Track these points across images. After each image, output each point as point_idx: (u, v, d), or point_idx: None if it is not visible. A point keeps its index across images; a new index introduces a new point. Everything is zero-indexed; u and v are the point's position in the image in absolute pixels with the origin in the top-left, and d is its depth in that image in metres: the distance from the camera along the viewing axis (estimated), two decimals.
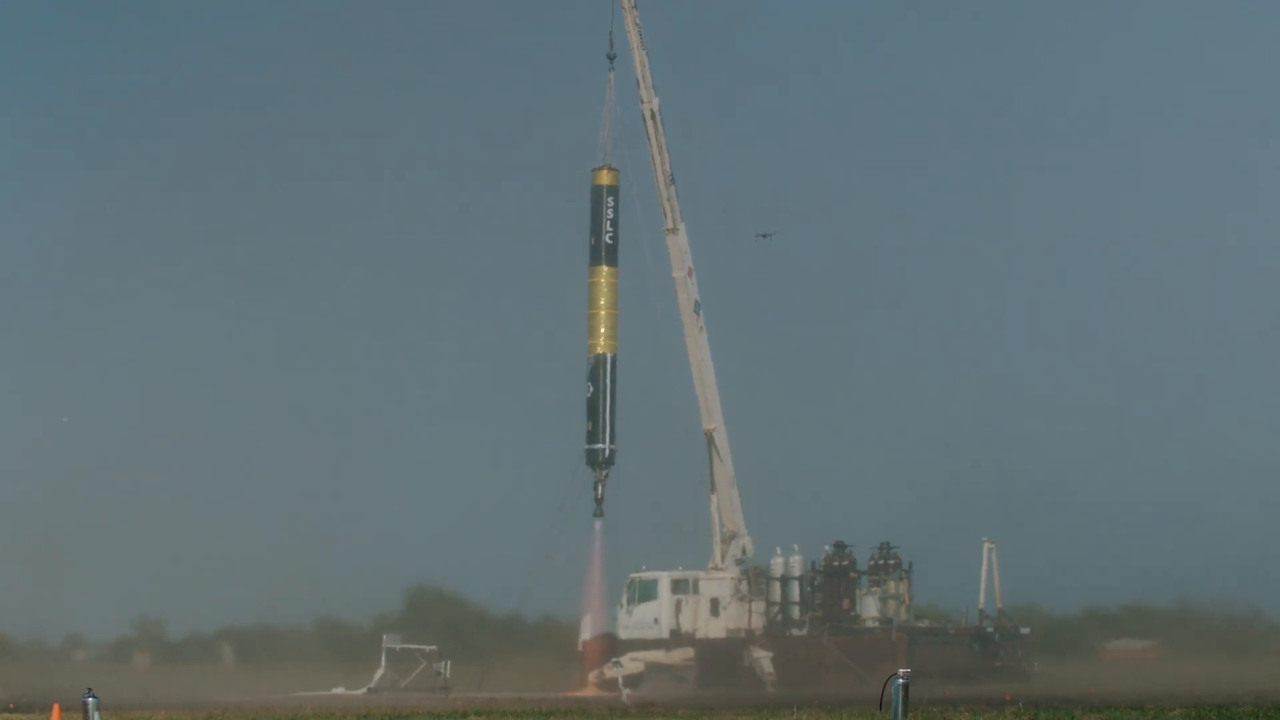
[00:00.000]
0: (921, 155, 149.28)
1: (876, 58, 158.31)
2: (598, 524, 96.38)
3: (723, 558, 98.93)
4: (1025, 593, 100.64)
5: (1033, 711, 53.73)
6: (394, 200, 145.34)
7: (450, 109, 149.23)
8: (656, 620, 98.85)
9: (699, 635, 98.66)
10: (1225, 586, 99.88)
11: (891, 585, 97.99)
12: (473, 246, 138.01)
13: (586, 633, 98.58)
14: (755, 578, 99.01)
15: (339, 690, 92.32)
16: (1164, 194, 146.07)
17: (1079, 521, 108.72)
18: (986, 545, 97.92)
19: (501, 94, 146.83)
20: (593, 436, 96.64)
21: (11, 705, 68.34)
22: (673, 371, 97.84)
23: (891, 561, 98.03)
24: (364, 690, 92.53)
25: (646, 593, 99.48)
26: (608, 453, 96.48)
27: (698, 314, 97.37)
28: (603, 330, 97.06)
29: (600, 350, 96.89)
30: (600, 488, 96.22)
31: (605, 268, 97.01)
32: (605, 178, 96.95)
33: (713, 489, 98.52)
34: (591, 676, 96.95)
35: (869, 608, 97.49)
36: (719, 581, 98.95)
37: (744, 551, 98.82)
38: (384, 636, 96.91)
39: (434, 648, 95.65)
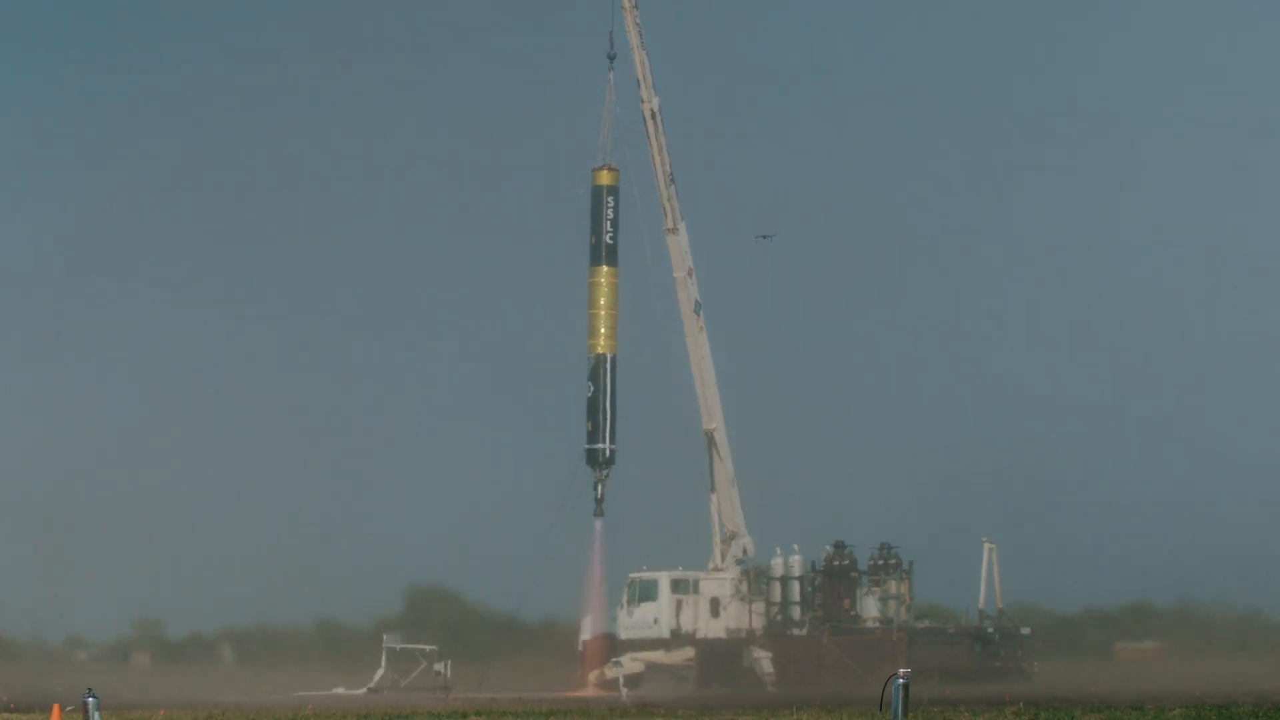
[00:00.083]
0: (922, 155, 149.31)
1: (877, 58, 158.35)
2: (598, 524, 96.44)
3: (723, 558, 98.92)
4: (1025, 593, 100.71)
5: (1033, 711, 53.73)
6: (394, 200, 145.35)
7: (450, 109, 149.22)
8: (656, 620, 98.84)
9: (699, 635, 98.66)
10: (1226, 586, 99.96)
11: (892, 585, 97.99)
12: (473, 246, 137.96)
13: (586, 633, 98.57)
14: (755, 578, 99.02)
15: (339, 690, 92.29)
16: (1164, 194, 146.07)
17: (1079, 521, 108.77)
18: (986, 545, 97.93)
19: (501, 94, 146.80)
20: (593, 436, 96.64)
21: (12, 705, 68.31)
22: (673, 371, 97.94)
23: (892, 561, 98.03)
24: (364, 690, 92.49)
25: (646, 593, 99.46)
26: (608, 453, 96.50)
27: (698, 314, 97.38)
28: (603, 330, 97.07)
29: (600, 350, 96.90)
30: (600, 488, 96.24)
31: (605, 268, 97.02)
32: (605, 178, 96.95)
33: (713, 489, 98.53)
34: (591, 676, 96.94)
35: (869, 608, 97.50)
36: (719, 581, 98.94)
37: (744, 551, 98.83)
38: (384, 636, 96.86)
39: (434, 648, 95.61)
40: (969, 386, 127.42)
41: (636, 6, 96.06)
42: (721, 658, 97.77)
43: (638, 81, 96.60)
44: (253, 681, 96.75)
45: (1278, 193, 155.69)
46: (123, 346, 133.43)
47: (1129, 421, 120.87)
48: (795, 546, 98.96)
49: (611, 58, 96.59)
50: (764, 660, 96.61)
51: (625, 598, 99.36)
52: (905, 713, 48.37)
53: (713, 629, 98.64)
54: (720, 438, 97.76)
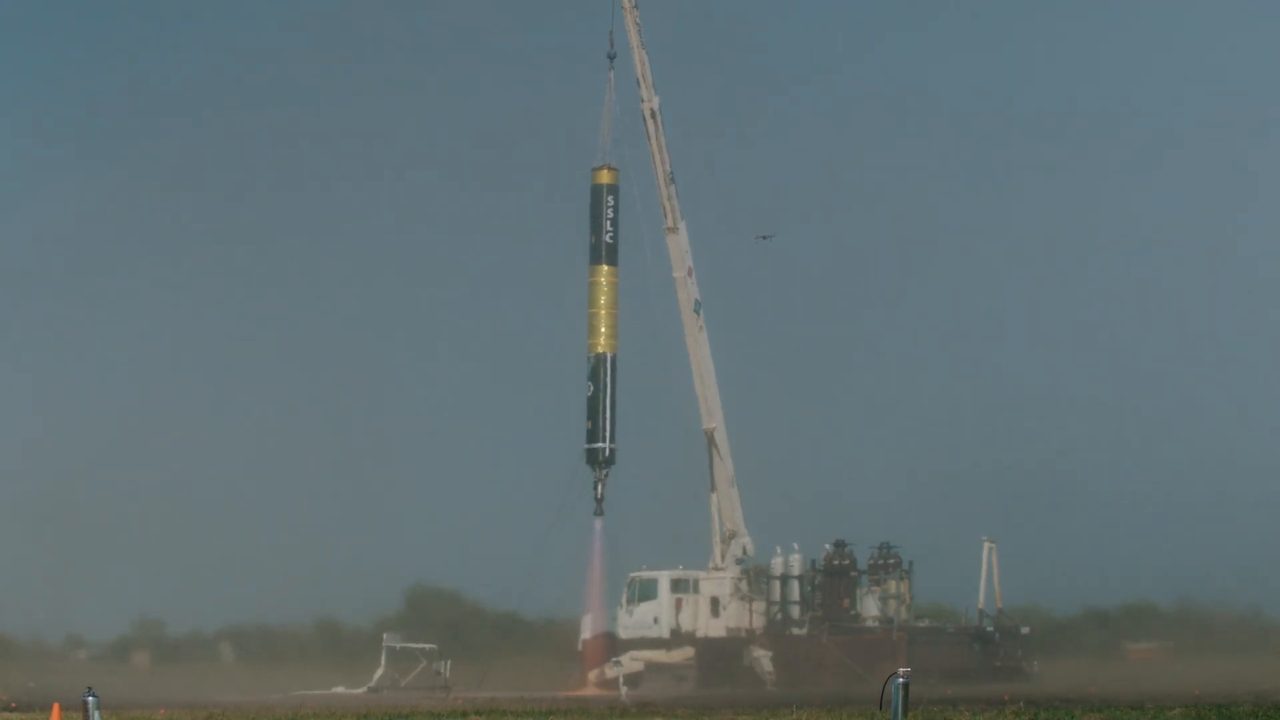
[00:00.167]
0: (922, 155, 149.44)
1: (876, 58, 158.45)
2: (598, 524, 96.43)
3: (723, 557, 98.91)
4: (1025, 592, 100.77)
5: (1033, 711, 53.73)
6: (394, 201, 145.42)
7: (450, 109, 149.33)
8: (656, 620, 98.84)
9: (699, 634, 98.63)
10: (1226, 586, 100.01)
11: (892, 584, 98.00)
12: (473, 246, 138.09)
13: (586, 632, 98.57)
14: (755, 577, 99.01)
15: (339, 689, 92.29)
16: (1164, 194, 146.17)
17: (1079, 521, 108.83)
18: (987, 545, 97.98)
19: (501, 94, 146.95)
20: (593, 436, 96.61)
21: (12, 704, 68.30)
22: (673, 371, 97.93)
23: (892, 561, 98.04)
24: (364, 689, 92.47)
25: (646, 592, 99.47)
26: (608, 452, 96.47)
27: (698, 313, 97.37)
28: (603, 330, 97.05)
29: (600, 350, 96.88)
30: (600, 487, 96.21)
31: (605, 267, 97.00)
32: (605, 177, 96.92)
33: (713, 488, 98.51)
34: (591, 676, 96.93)
35: (869, 607, 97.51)
36: (719, 581, 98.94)
37: (744, 551, 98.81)
38: (384, 636, 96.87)
39: (434, 647, 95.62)
40: (969, 386, 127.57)
41: (636, 6, 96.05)
42: (721, 657, 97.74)
43: (638, 81, 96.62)
44: (253, 681, 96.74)
45: (1278, 193, 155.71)
46: (123, 346, 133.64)
47: (1129, 421, 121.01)
48: (795, 546, 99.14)
49: (611, 57, 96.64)
50: (764, 659, 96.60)
51: (625, 597, 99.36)
52: (905, 712, 48.37)
53: (713, 628, 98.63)
54: (720, 437, 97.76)
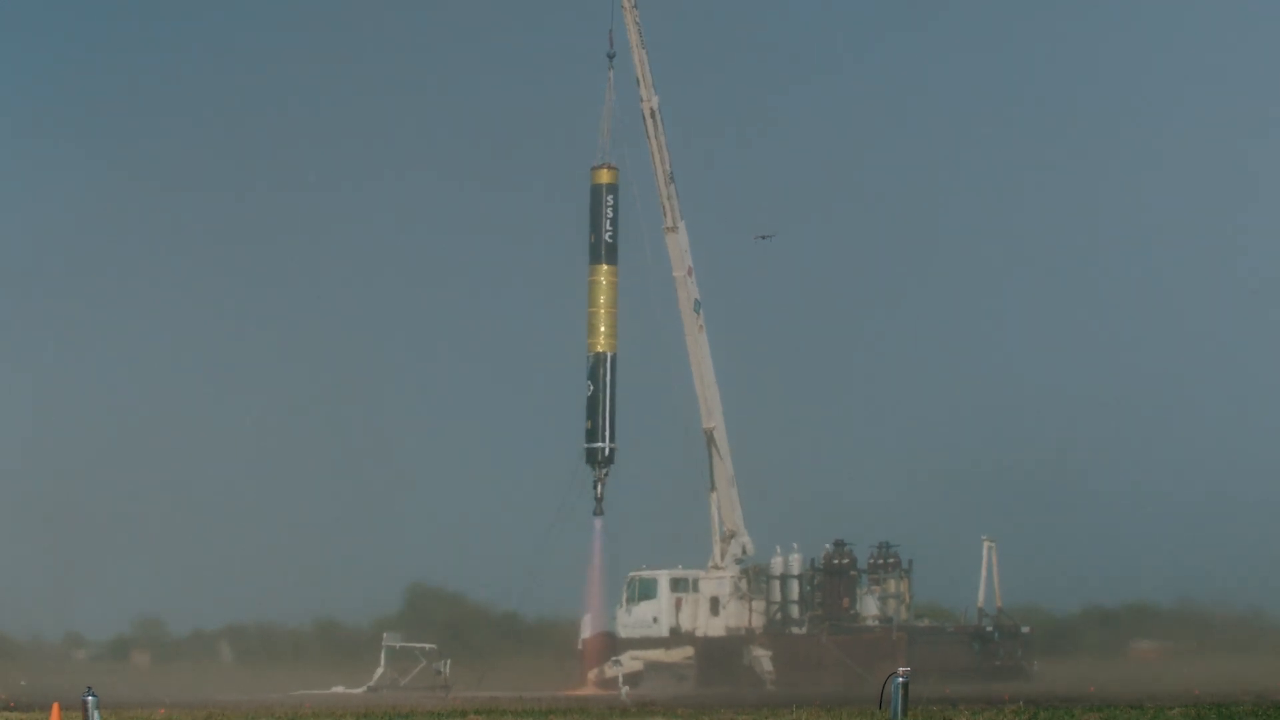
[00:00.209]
0: (922, 155, 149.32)
1: (876, 58, 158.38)
2: (598, 523, 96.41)
3: (722, 556, 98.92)
4: (1025, 592, 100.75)
5: (1032, 711, 53.73)
6: (394, 201, 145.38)
7: (450, 109, 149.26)
8: (656, 619, 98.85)
9: (699, 634, 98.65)
10: (1226, 586, 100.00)
11: (891, 584, 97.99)
12: (473, 246, 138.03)
13: (586, 631, 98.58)
14: (755, 576, 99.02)
15: (339, 689, 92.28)
16: (1164, 194, 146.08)
17: (1079, 521, 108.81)
18: (986, 544, 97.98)
19: (501, 94, 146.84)
20: (592, 435, 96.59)
21: (12, 704, 68.29)
22: (673, 371, 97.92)
23: (891, 560, 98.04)
24: (364, 689, 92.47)
25: (646, 591, 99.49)
26: (608, 452, 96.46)
27: (698, 313, 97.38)
28: (603, 329, 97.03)
29: (600, 349, 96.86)
30: (600, 487, 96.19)
31: (605, 266, 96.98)
32: (605, 176, 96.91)
33: (713, 488, 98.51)
34: (591, 675, 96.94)
35: (869, 606, 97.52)
36: (719, 580, 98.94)
37: (744, 550, 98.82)
38: (384, 635, 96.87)
39: (434, 647, 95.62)
40: (969, 386, 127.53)
41: (636, 6, 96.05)
42: (721, 656, 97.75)
43: (637, 81, 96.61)
44: (252, 680, 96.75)
45: (1278, 192, 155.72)
46: (123, 346, 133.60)
47: (1129, 421, 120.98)
48: (795, 545, 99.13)
49: (611, 57, 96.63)
50: (763, 659, 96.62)
51: (625, 596, 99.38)
52: (905, 711, 48.38)
53: (712, 628, 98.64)
54: (720, 437, 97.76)
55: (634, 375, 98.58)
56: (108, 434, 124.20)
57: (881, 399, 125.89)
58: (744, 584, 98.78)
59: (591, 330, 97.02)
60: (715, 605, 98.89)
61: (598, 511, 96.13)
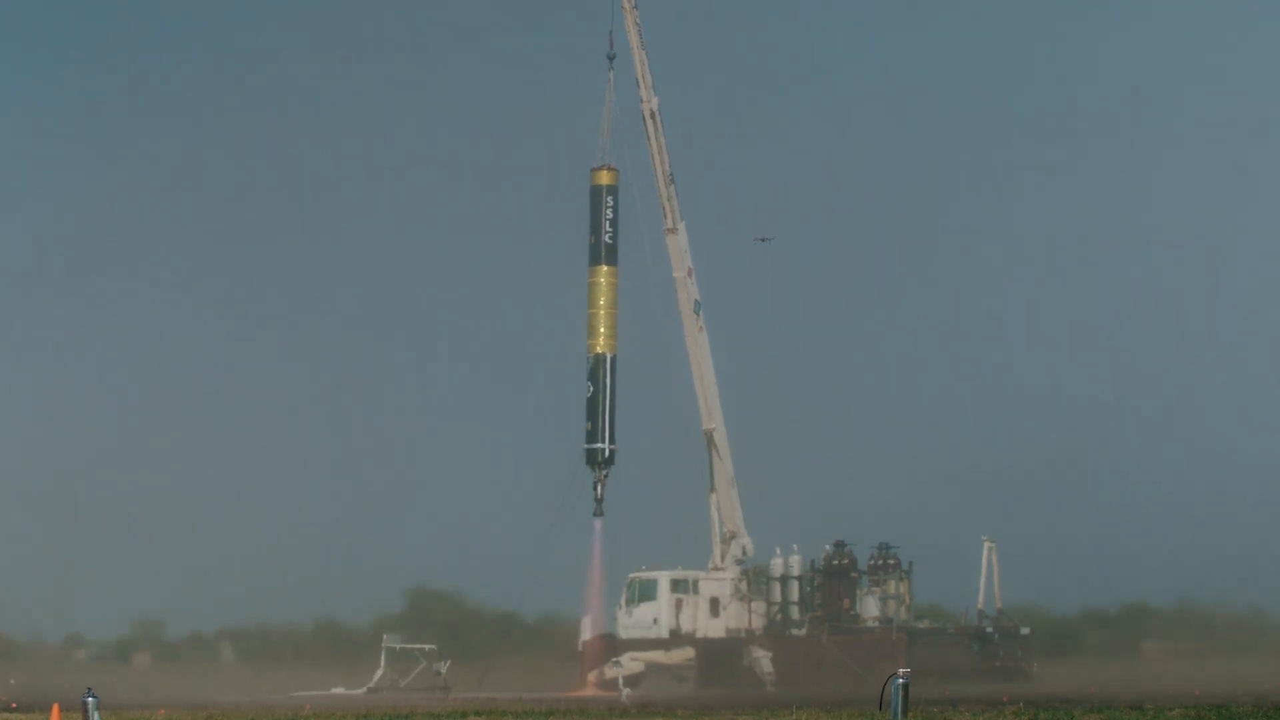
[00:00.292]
0: (922, 155, 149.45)
1: (876, 58, 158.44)
2: (598, 524, 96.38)
3: (723, 557, 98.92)
4: (1025, 593, 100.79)
5: (1032, 711, 53.75)
6: (394, 201, 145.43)
7: (450, 109, 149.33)
8: (656, 620, 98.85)
9: (699, 635, 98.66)
10: (1226, 586, 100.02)
11: (891, 585, 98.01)
12: (473, 246, 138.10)
13: (586, 632, 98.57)
14: (755, 577, 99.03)
15: (339, 690, 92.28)
16: (1164, 194, 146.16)
17: (1079, 521, 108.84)
18: (986, 544, 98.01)
19: (501, 94, 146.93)
20: (593, 436, 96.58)
21: (13, 705, 68.30)
22: (673, 371, 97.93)
23: (891, 561, 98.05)
24: (364, 690, 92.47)
25: (646, 592, 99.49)
26: (608, 453, 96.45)
27: (698, 314, 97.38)
28: (603, 330, 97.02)
29: (600, 350, 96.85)
30: (600, 488, 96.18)
31: (605, 267, 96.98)
32: (605, 177, 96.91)
33: (713, 489, 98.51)
34: (591, 676, 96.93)
35: (869, 607, 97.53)
36: (719, 581, 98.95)
37: (744, 551, 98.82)
38: (384, 636, 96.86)
39: (434, 647, 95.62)
40: (969, 386, 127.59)
41: (636, 7, 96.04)
42: (721, 657, 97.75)
43: (637, 81, 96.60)
44: (252, 681, 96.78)
45: (1278, 192, 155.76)
46: (123, 346, 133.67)
47: (1129, 421, 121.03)
48: (795, 546, 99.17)
49: (611, 58, 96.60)
50: (764, 660, 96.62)
51: (625, 597, 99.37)
52: (905, 712, 48.38)
53: (712, 629, 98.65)
54: (720, 438, 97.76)
55: (634, 376, 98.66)
56: (108, 434, 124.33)
57: (881, 399, 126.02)
58: (744, 585, 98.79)
59: (591, 331, 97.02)
60: (715, 606, 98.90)
61: (598, 512, 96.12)
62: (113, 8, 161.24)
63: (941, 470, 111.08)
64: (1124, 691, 73.65)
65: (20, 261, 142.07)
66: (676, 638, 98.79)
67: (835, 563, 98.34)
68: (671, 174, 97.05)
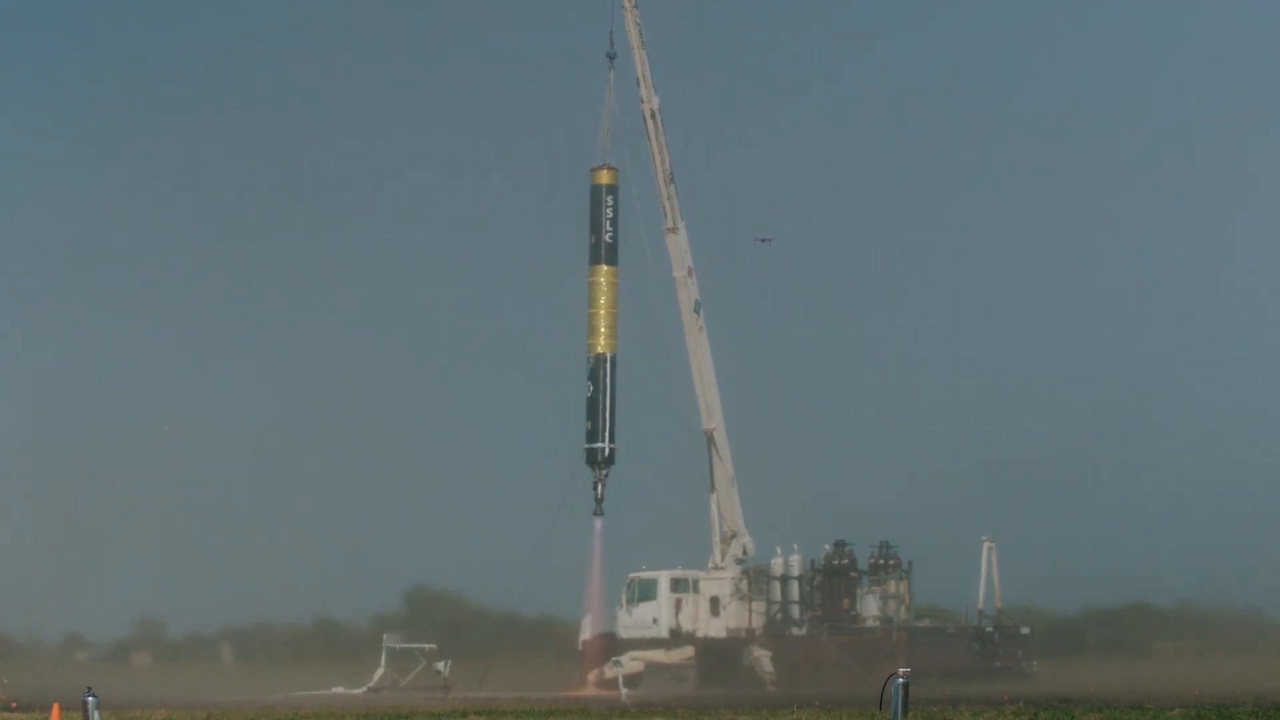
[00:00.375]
0: (922, 155, 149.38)
1: (877, 58, 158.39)
2: (598, 524, 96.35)
3: (723, 557, 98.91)
4: (1025, 592, 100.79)
5: (1032, 711, 53.75)
6: (394, 201, 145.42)
7: (450, 109, 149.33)
8: (656, 620, 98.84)
9: (699, 635, 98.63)
10: (1226, 586, 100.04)
11: (891, 584, 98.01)
12: (473, 246, 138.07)
13: (586, 632, 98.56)
14: (755, 577, 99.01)
15: (339, 690, 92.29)
16: (1164, 194, 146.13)
17: (1079, 520, 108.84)
18: (986, 544, 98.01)
19: (501, 94, 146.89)
20: (593, 436, 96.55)
21: (13, 705, 68.30)
22: (673, 371, 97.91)
23: (891, 561, 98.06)
24: (364, 690, 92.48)
25: (646, 592, 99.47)
26: (608, 452, 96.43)
27: (698, 313, 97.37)
28: (603, 330, 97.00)
29: (600, 350, 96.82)
30: (600, 487, 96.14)
31: (605, 267, 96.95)
32: (605, 177, 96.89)
33: (713, 489, 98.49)
34: (591, 676, 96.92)
35: (869, 607, 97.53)
36: (719, 581, 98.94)
37: (744, 551, 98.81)
38: (384, 636, 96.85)
39: (434, 647, 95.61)
40: (969, 386, 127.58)
41: (636, 6, 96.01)
42: (721, 657, 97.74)
43: (638, 81, 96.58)
44: (252, 681, 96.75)
45: (1278, 192, 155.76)
46: (123, 345, 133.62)
47: (1129, 421, 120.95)
48: (795, 546, 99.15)
49: (611, 57, 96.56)
50: (764, 660, 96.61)
51: (625, 597, 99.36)
52: (905, 712, 48.39)
53: (712, 628, 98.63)
54: (720, 437, 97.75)
55: (634, 376, 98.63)
56: (108, 434, 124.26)
57: (881, 399, 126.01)
58: (744, 585, 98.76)
59: (591, 331, 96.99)
60: (715, 606, 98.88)
61: (598, 512, 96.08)
62: (113, 8, 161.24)
63: (941, 470, 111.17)
64: (1124, 691, 73.65)
65: (20, 261, 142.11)
66: (676, 637, 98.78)
67: (835, 562, 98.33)
68: (672, 174, 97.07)
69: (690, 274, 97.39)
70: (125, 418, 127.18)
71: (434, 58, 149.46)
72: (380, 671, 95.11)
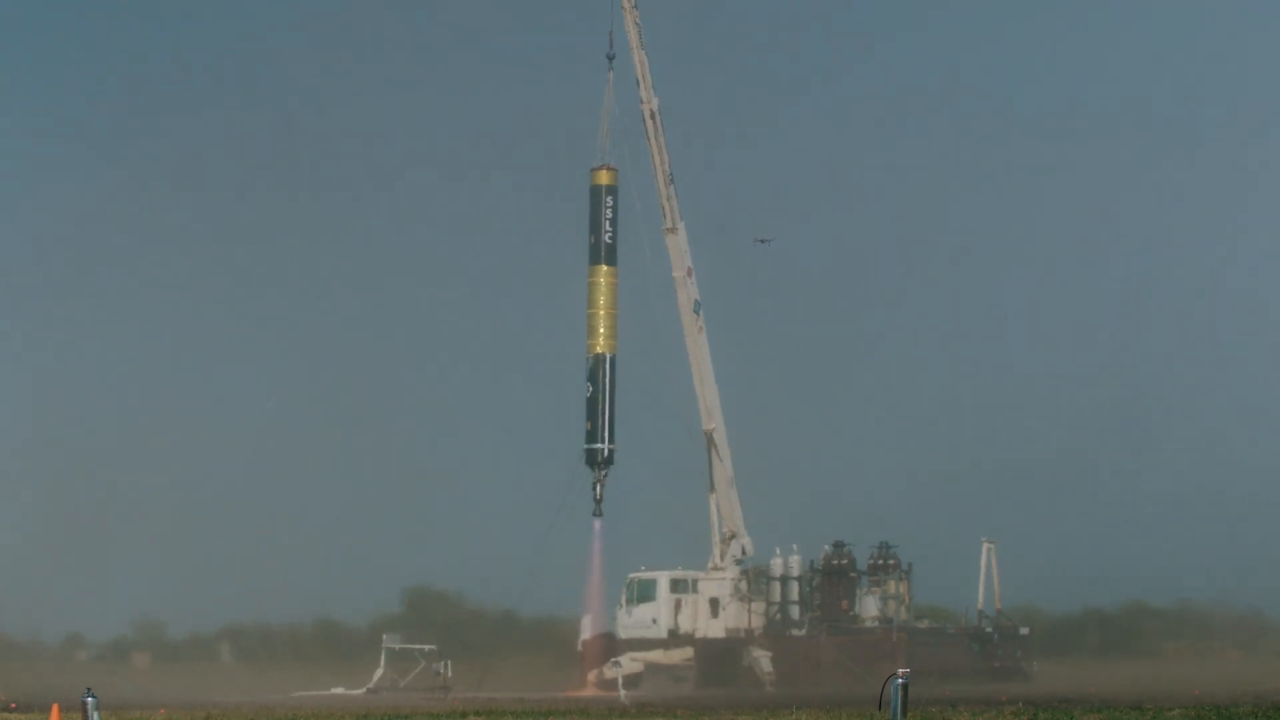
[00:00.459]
0: (922, 155, 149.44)
1: (877, 58, 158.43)
2: (597, 524, 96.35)
3: (722, 557, 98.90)
4: (1025, 593, 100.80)
5: (1032, 711, 53.74)
6: (394, 201, 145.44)
7: (450, 109, 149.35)
8: (655, 620, 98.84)
9: (698, 635, 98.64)
10: (1226, 586, 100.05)
11: (891, 585, 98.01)
12: (473, 246, 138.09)
13: (586, 633, 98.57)
14: (755, 577, 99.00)
15: (338, 690, 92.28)
16: (1164, 194, 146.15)
17: (1079, 520, 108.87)
18: (986, 545, 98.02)
19: (501, 94, 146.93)
20: (592, 436, 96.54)
21: (12, 705, 68.30)
22: (673, 371, 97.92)
23: (891, 561, 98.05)
24: (363, 690, 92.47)
25: (646, 593, 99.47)
26: (607, 453, 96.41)
27: (698, 314, 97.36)
28: (602, 330, 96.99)
29: (600, 350, 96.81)
30: (600, 488, 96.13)
31: (605, 267, 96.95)
32: (604, 177, 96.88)
33: (712, 489, 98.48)
34: (591, 676, 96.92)
35: (868, 607, 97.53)
36: (718, 581, 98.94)
37: (743, 551, 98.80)
38: (383, 636, 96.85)
39: (433, 647, 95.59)
40: (969, 386, 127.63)
41: (636, 6, 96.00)
42: (721, 657, 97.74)
43: (637, 81, 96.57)
44: (252, 681, 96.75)
45: (1277, 193, 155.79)
46: (123, 345, 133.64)
47: (1129, 421, 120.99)
48: (794, 546, 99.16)
49: (611, 58, 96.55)
50: (763, 660, 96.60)
51: (624, 598, 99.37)
52: (904, 712, 48.39)
53: (712, 629, 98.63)
54: (720, 438, 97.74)
55: (634, 376, 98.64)
56: (108, 434, 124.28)
57: (881, 399, 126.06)
58: (744, 585, 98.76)
59: (591, 331, 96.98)
60: (715, 606, 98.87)
61: (597, 512, 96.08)
62: (113, 8, 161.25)
63: (941, 470, 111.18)
64: (1124, 691, 73.65)
65: (20, 261, 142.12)
66: (676, 638, 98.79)
67: (835, 563, 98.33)
68: (671, 174, 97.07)
69: (690, 274, 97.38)
70: (125, 418, 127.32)
71: (434, 58, 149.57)
72: (380, 672, 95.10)
